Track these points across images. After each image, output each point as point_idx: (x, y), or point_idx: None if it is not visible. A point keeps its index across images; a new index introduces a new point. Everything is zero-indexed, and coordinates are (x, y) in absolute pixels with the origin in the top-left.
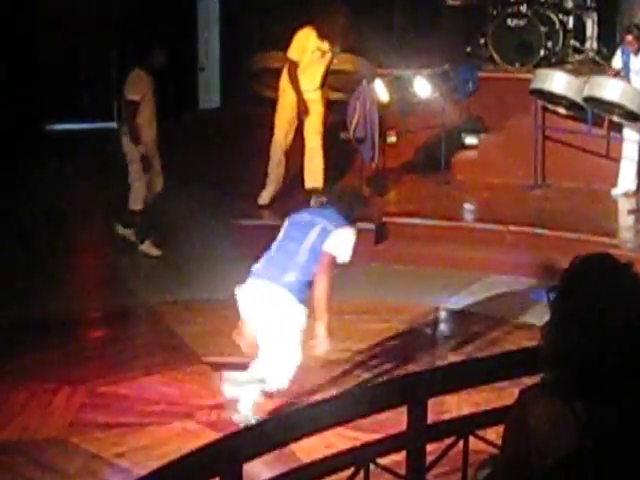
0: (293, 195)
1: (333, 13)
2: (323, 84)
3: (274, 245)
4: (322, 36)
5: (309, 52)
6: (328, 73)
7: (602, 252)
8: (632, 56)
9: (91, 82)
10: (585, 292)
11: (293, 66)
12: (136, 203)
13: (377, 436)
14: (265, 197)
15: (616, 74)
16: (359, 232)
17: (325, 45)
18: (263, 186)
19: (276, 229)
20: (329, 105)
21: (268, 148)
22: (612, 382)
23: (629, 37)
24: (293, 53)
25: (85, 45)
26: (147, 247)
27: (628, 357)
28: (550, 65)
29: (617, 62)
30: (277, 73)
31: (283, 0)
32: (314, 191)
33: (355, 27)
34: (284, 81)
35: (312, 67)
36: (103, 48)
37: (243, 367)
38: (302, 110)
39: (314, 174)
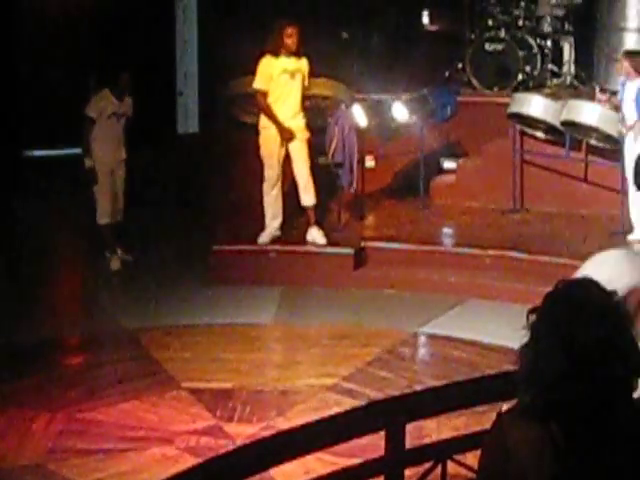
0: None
1: (277, 29)
2: (302, 107)
3: None
4: (283, 56)
5: (276, 77)
6: (304, 94)
7: (586, 277)
8: (628, 83)
9: (69, 108)
10: (563, 315)
11: (262, 96)
12: (102, 218)
13: (356, 461)
14: (265, 238)
15: (616, 107)
16: (339, 257)
17: (291, 65)
18: (262, 228)
19: (254, 255)
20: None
21: (246, 172)
22: (590, 405)
23: (618, 65)
24: (258, 83)
25: (63, 72)
26: (114, 260)
27: (605, 381)
28: (528, 89)
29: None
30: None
31: (262, 26)
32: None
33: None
34: (262, 118)
35: (285, 92)
36: (81, 75)
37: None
38: (286, 138)
39: (309, 194)
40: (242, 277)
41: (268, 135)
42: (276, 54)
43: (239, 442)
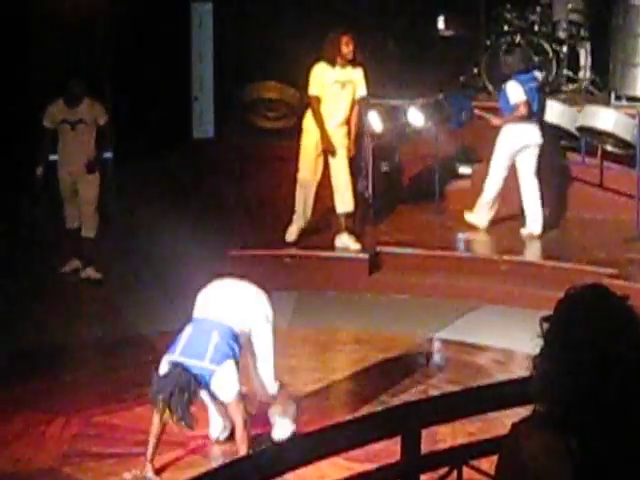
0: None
1: (334, 38)
2: (348, 118)
3: None
4: (338, 65)
5: (328, 86)
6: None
7: (596, 283)
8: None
9: None
10: (579, 324)
11: (316, 103)
12: (89, 231)
13: (371, 466)
14: (293, 233)
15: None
16: (353, 262)
17: (343, 75)
18: (289, 222)
19: (269, 259)
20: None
21: (261, 178)
22: (606, 416)
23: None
24: (313, 90)
25: (79, 77)
26: (91, 272)
27: (622, 390)
28: (544, 95)
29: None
30: (271, 103)
31: (277, 31)
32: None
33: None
34: (307, 120)
35: (333, 102)
36: (97, 80)
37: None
38: (327, 147)
39: (345, 202)
40: (257, 282)
41: (310, 140)
42: (332, 63)
43: (255, 446)
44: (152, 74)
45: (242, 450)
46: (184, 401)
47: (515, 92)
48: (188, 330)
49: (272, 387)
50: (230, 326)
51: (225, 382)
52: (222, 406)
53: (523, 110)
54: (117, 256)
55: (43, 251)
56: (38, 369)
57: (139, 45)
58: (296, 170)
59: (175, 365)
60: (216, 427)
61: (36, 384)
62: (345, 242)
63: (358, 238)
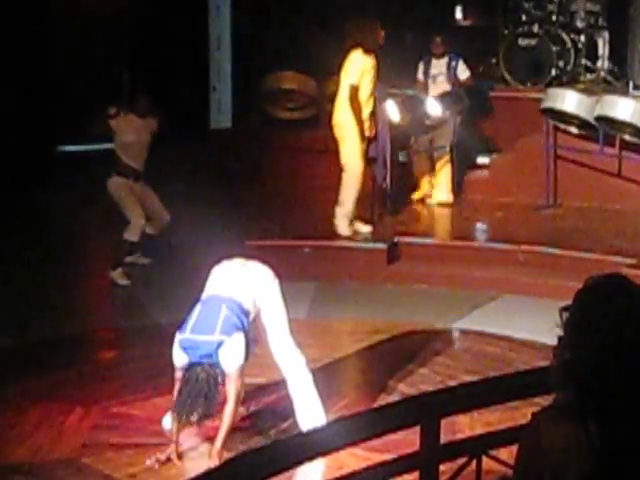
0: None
1: (371, 28)
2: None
3: None
4: (373, 54)
5: (365, 75)
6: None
7: (615, 272)
8: (433, 61)
9: (102, 104)
10: (599, 313)
11: (356, 91)
12: (131, 234)
13: (390, 456)
14: (348, 227)
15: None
16: (372, 252)
17: (374, 63)
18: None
19: (287, 250)
20: None
21: (279, 168)
22: (626, 403)
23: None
24: (356, 79)
25: (96, 67)
26: (118, 275)
27: None
28: (562, 84)
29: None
30: (289, 94)
31: (296, 20)
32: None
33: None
34: (345, 111)
35: (368, 90)
36: (114, 70)
37: None
38: (370, 135)
39: None
40: (275, 272)
41: (357, 130)
42: (370, 51)
43: (272, 437)
44: (170, 64)
45: (227, 423)
46: (209, 404)
47: None
48: (198, 308)
49: (296, 357)
50: (239, 301)
51: (232, 353)
52: None
53: None
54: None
55: (61, 241)
56: (56, 360)
57: (157, 35)
58: (332, 163)
59: (191, 366)
60: None
61: (54, 375)
62: (358, 228)
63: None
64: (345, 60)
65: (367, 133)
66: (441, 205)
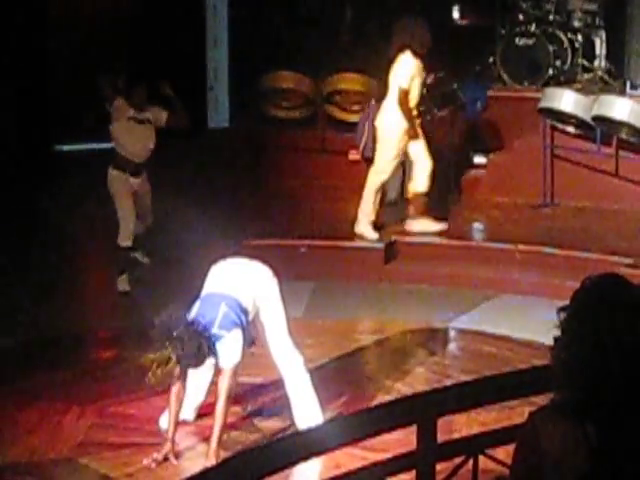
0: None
1: (418, 29)
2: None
3: None
4: (419, 56)
5: (416, 77)
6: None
7: (612, 272)
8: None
9: (100, 102)
10: (596, 313)
11: (406, 94)
12: (123, 240)
13: (387, 455)
14: (373, 229)
15: None
16: (369, 251)
17: (422, 64)
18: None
19: (285, 249)
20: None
21: (276, 168)
22: (624, 404)
23: None
24: (405, 81)
25: (95, 65)
26: (122, 281)
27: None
28: (559, 84)
29: None
30: (286, 93)
31: (293, 19)
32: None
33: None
34: (390, 113)
35: (416, 93)
36: (112, 68)
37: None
38: (414, 136)
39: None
40: (274, 272)
41: (401, 134)
42: (419, 54)
43: (269, 436)
44: (167, 64)
45: (220, 421)
46: (195, 355)
47: None
48: (197, 305)
49: (294, 356)
50: (238, 300)
51: (229, 348)
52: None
53: None
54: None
55: (58, 241)
56: (53, 360)
57: (154, 34)
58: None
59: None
60: (187, 408)
61: (51, 374)
62: (424, 225)
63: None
64: (393, 62)
65: (415, 135)
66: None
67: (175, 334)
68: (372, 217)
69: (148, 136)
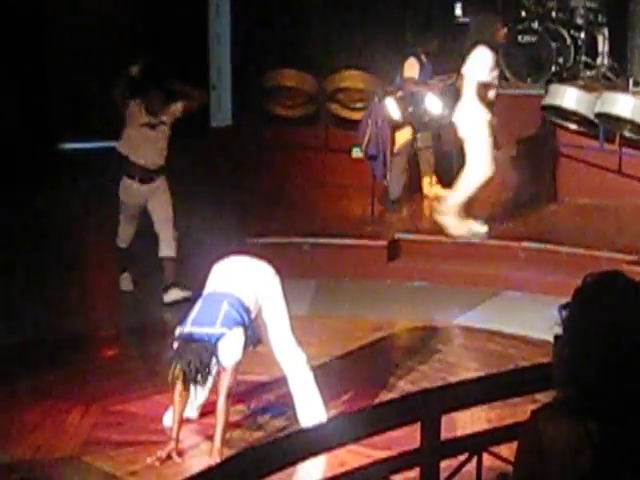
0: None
1: (493, 25)
2: None
3: None
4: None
5: (493, 72)
6: None
7: (614, 269)
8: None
9: (103, 101)
10: (598, 310)
11: (485, 88)
12: (121, 242)
13: (391, 453)
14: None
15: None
16: (372, 249)
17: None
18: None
19: (288, 247)
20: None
21: (279, 166)
22: (626, 401)
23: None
24: (482, 75)
25: (97, 63)
26: (124, 279)
27: None
28: (561, 81)
29: None
30: (289, 91)
31: (296, 18)
32: None
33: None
34: (476, 111)
35: (493, 87)
36: (115, 66)
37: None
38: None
39: None
40: (276, 270)
41: (484, 130)
42: (494, 49)
43: (273, 434)
44: (169, 62)
45: (222, 419)
46: (202, 373)
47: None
48: (199, 303)
49: (297, 354)
50: (240, 298)
51: (231, 346)
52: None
53: None
54: (136, 245)
55: (61, 240)
56: (57, 358)
57: (156, 33)
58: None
59: (194, 339)
60: (191, 406)
61: (55, 373)
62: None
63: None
64: (468, 57)
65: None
66: (439, 199)
67: (178, 349)
68: (460, 211)
69: (160, 139)
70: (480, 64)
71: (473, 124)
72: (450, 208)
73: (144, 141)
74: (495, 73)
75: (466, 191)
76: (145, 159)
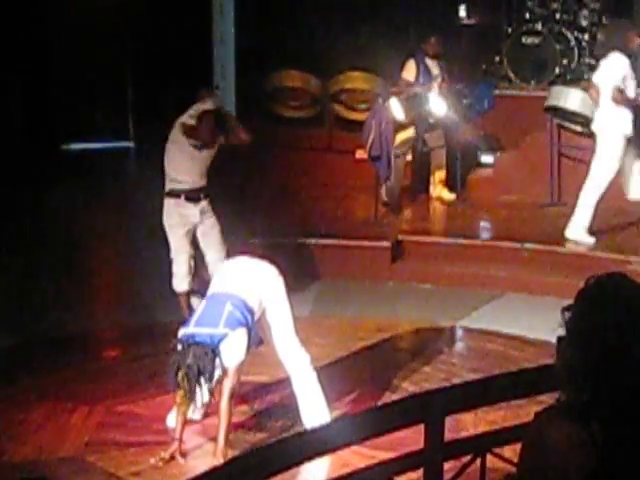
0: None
1: (623, 32)
2: None
3: None
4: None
5: (628, 78)
6: None
7: (617, 271)
8: (429, 61)
9: (107, 101)
10: (601, 312)
11: (622, 94)
12: (178, 285)
13: (394, 454)
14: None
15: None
16: (376, 250)
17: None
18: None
19: (290, 248)
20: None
21: (283, 166)
22: (629, 403)
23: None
24: (619, 81)
25: (101, 64)
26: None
27: None
28: (565, 82)
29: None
30: (293, 92)
31: (300, 18)
32: None
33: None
34: (613, 116)
35: (630, 93)
36: (119, 67)
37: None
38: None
39: None
40: (280, 270)
41: (618, 136)
42: (627, 56)
43: (276, 435)
44: (173, 62)
45: (224, 420)
46: (203, 377)
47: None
48: (202, 304)
49: (300, 355)
50: (244, 299)
51: (233, 347)
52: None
53: None
54: (138, 244)
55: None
56: (60, 358)
57: (160, 33)
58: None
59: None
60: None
61: (58, 373)
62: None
63: None
64: (603, 63)
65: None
66: (441, 200)
67: (179, 352)
68: (588, 224)
69: (206, 158)
70: (615, 70)
71: (607, 130)
72: (579, 226)
73: (192, 160)
74: (630, 81)
75: (590, 202)
76: (189, 177)
